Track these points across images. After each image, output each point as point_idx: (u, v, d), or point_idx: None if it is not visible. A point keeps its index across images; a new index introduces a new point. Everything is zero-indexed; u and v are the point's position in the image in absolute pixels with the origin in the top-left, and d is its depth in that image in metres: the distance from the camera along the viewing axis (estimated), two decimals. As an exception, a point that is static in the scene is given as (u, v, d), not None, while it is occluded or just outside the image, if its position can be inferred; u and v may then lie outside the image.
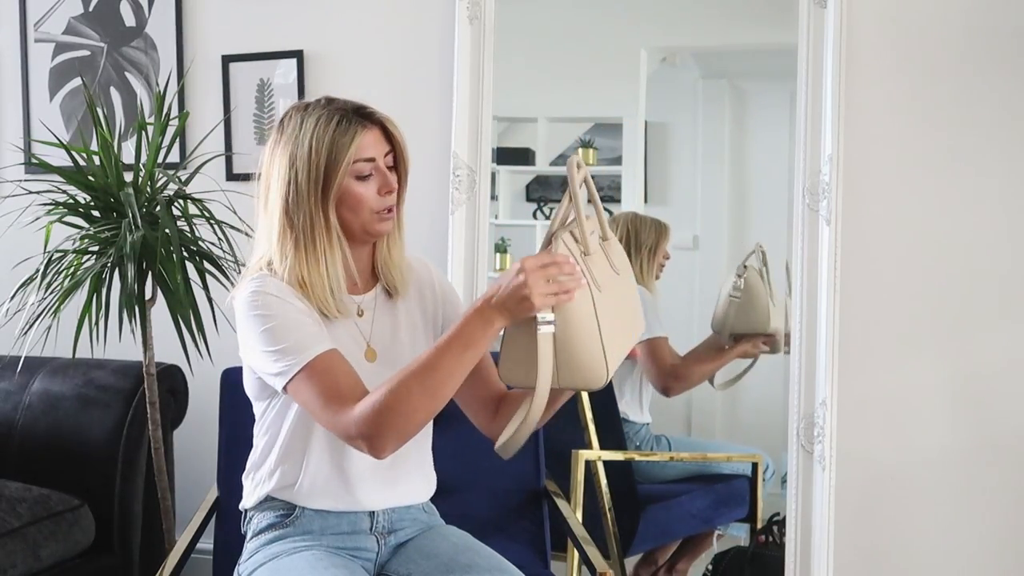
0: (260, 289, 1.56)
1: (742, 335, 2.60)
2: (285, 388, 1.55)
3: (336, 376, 1.51)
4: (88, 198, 2.36)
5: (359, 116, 1.57)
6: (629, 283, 1.57)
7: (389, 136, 1.60)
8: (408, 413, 1.45)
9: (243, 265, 2.33)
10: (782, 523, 2.42)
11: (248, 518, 1.72)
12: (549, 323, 1.40)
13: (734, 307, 2.60)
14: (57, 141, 2.38)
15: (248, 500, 1.71)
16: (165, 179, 2.37)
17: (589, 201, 1.53)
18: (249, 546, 1.69)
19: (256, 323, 1.55)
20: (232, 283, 2.32)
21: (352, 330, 1.63)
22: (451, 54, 2.55)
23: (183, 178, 2.40)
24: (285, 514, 1.66)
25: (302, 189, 1.55)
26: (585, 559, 1.90)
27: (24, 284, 2.28)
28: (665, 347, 2.62)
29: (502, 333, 1.46)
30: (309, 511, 1.65)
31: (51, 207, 2.35)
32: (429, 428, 1.73)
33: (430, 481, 1.76)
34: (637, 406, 2.65)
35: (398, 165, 1.63)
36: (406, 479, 1.70)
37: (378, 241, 1.66)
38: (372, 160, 1.57)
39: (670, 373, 2.62)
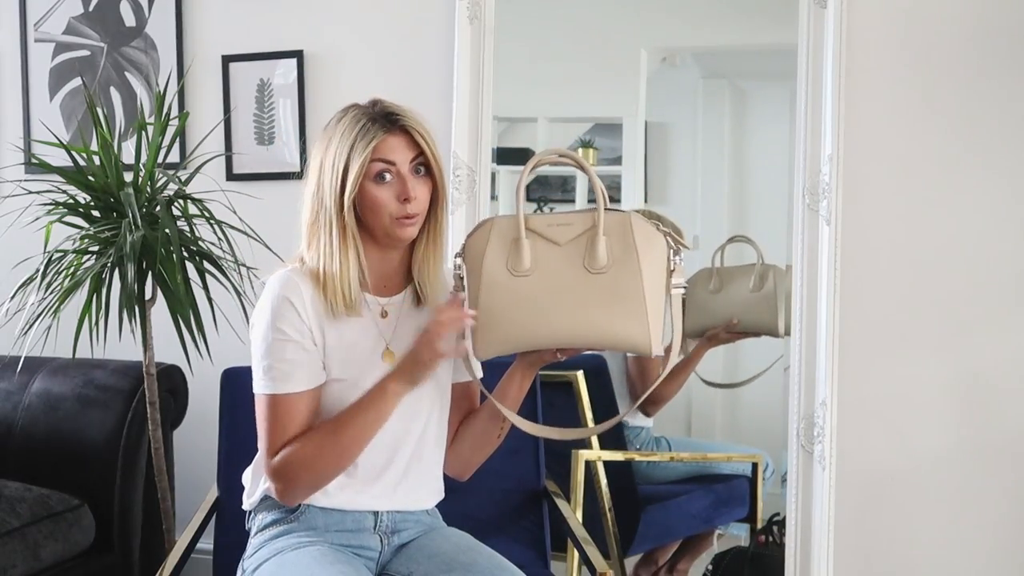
0: (286, 295, 1.59)
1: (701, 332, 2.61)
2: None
3: (284, 419, 1.59)
4: (88, 198, 2.35)
5: (385, 120, 1.58)
6: (617, 279, 1.51)
7: (419, 144, 1.60)
8: (313, 474, 1.58)
9: (243, 265, 2.34)
10: (782, 523, 2.42)
11: (252, 514, 1.73)
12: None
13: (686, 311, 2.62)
14: (57, 141, 2.38)
15: (251, 499, 1.71)
16: (165, 179, 2.37)
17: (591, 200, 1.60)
18: (253, 541, 1.70)
19: (267, 328, 1.60)
20: (232, 283, 2.32)
21: (371, 330, 1.64)
22: (451, 54, 2.55)
23: (183, 178, 2.40)
24: (290, 510, 1.67)
25: (324, 188, 1.58)
26: (585, 559, 1.90)
27: (24, 284, 2.28)
28: (655, 369, 2.61)
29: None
30: (314, 508, 1.66)
31: (51, 207, 2.34)
32: (443, 441, 1.74)
33: (438, 491, 1.77)
34: (643, 414, 2.65)
35: (431, 174, 1.62)
36: (417, 487, 1.71)
37: (415, 246, 1.66)
38: (392, 164, 1.57)
39: (649, 399, 2.61)
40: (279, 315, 1.58)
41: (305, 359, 1.59)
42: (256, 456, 1.71)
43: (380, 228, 1.60)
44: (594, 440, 2.48)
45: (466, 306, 1.56)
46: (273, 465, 1.59)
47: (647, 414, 2.65)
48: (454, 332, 1.54)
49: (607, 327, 1.50)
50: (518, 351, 1.58)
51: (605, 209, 1.53)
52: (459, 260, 1.58)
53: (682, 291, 1.53)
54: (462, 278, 1.58)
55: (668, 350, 1.54)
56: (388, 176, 1.58)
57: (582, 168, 1.58)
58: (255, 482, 1.70)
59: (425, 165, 1.62)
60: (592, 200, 1.57)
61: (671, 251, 1.53)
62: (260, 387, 1.61)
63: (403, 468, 1.66)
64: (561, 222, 1.55)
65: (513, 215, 1.56)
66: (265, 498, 1.69)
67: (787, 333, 2.42)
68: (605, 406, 2.54)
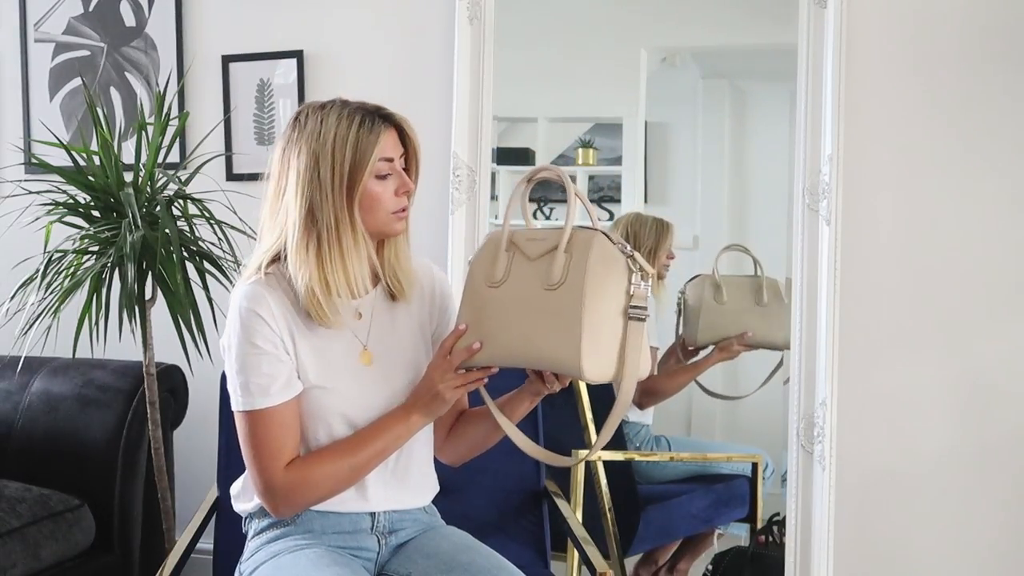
0: (254, 308, 1.56)
1: (714, 342, 2.61)
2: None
3: (276, 432, 1.57)
4: (88, 198, 2.36)
5: (380, 116, 1.58)
6: (562, 297, 1.48)
7: (404, 139, 1.61)
8: (322, 493, 1.59)
9: (243, 265, 2.33)
10: (782, 523, 2.42)
11: (249, 519, 1.72)
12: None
13: (688, 318, 2.62)
14: (57, 141, 2.38)
15: (250, 506, 1.71)
16: (165, 179, 2.37)
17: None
18: (250, 545, 1.70)
19: (238, 344, 1.58)
20: (232, 283, 2.32)
21: (345, 333, 1.63)
22: (451, 54, 2.55)
23: (183, 178, 2.40)
24: (286, 513, 1.66)
25: (326, 187, 1.54)
26: (585, 559, 1.90)
27: (24, 284, 2.28)
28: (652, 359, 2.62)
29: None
30: (311, 511, 1.65)
31: (51, 207, 2.35)
32: (431, 437, 1.74)
33: (432, 486, 1.77)
34: (636, 407, 2.65)
35: (409, 168, 1.63)
36: (410, 484, 1.70)
37: (384, 243, 1.65)
38: (391, 160, 1.58)
39: (644, 389, 2.62)
40: (250, 329, 1.56)
41: (281, 371, 1.57)
42: (247, 472, 1.71)
43: (374, 225, 1.59)
44: (594, 439, 2.48)
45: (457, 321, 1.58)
46: (276, 485, 1.56)
47: (640, 406, 2.65)
48: (464, 362, 1.54)
49: (538, 344, 1.47)
50: (492, 364, 1.54)
51: (575, 227, 1.50)
52: None
53: (642, 318, 1.46)
54: None
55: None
56: (388, 171, 1.58)
57: (565, 185, 1.55)
58: (246, 492, 1.71)
59: (407, 161, 1.63)
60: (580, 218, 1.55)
61: (631, 274, 1.47)
62: (240, 405, 1.58)
63: (394, 467, 1.66)
64: (539, 237, 1.54)
65: (512, 228, 1.57)
66: (261, 505, 1.68)
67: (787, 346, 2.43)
68: (606, 406, 2.52)
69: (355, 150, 1.54)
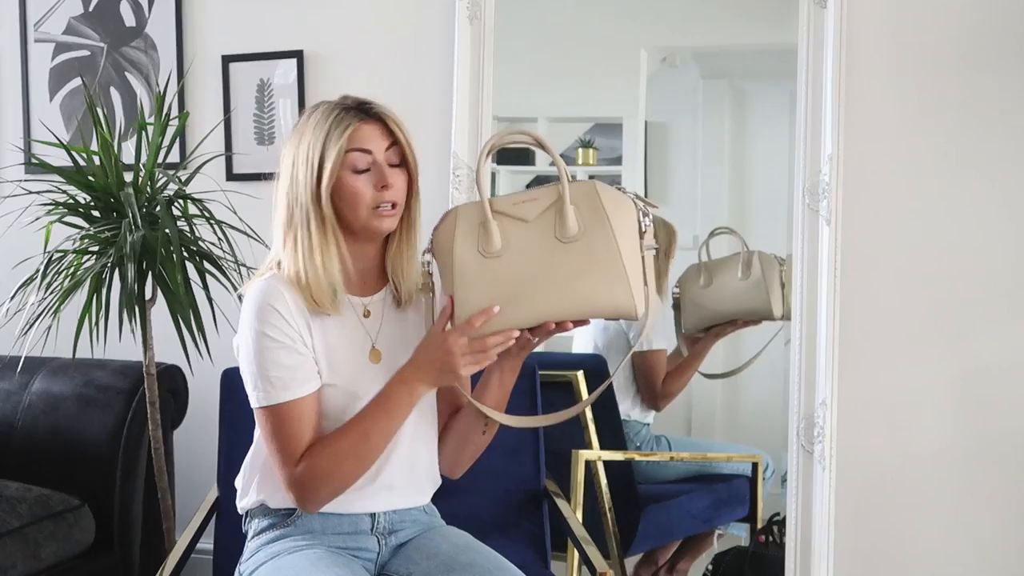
0: (269, 302, 1.56)
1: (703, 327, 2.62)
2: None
3: (298, 427, 1.56)
4: (88, 198, 2.36)
5: (357, 110, 1.57)
6: (591, 243, 1.49)
7: (392, 133, 1.59)
8: (341, 478, 1.56)
9: (243, 265, 2.34)
10: (782, 523, 2.42)
11: (249, 518, 1.72)
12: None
13: (681, 310, 2.63)
14: (57, 141, 2.39)
15: (247, 502, 1.71)
16: (165, 179, 2.37)
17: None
18: (250, 545, 1.69)
19: (255, 338, 1.57)
20: (232, 283, 2.32)
21: (356, 329, 1.63)
22: (451, 54, 2.55)
23: (183, 178, 2.40)
24: (286, 514, 1.66)
25: (299, 183, 1.56)
26: (585, 559, 1.90)
27: (24, 284, 2.28)
28: (661, 361, 2.62)
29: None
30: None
31: (51, 207, 2.35)
32: (435, 435, 1.73)
33: (434, 483, 1.76)
34: (638, 406, 2.66)
35: (406, 163, 1.61)
36: (411, 483, 1.70)
37: (389, 242, 1.65)
38: (368, 152, 1.56)
39: (660, 393, 2.63)
40: (266, 323, 1.56)
41: (301, 363, 1.57)
42: (247, 460, 1.71)
43: (358, 221, 1.57)
44: (594, 440, 2.48)
45: (437, 298, 1.55)
46: (295, 476, 1.56)
47: (657, 409, 2.65)
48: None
49: (589, 295, 1.48)
50: (517, 326, 1.52)
51: (569, 181, 1.51)
52: (428, 256, 1.56)
53: (652, 252, 1.52)
54: (431, 274, 1.56)
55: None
56: (365, 165, 1.56)
57: (541, 146, 1.56)
58: (247, 486, 1.70)
59: (399, 156, 1.60)
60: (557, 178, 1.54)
61: (639, 213, 1.51)
62: (260, 400, 1.57)
63: (397, 467, 1.65)
64: (527, 199, 1.53)
65: (477, 201, 1.54)
66: (261, 503, 1.68)
67: (785, 316, 2.42)
68: (605, 405, 2.54)
69: (324, 142, 1.54)
